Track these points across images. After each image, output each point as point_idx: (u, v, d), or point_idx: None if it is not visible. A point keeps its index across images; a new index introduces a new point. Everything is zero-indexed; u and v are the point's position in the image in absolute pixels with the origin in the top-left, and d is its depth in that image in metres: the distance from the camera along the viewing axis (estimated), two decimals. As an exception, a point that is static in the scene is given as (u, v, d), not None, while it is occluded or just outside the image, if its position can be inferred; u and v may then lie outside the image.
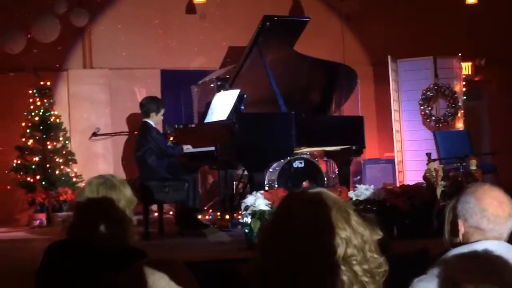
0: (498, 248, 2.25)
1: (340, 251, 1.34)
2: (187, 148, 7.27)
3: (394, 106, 10.10)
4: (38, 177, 8.90)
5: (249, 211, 5.48)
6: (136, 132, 8.16)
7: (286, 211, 1.44)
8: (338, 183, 7.68)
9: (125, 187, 2.99)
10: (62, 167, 9.12)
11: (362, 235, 1.38)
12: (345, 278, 1.33)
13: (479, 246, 2.26)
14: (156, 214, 7.50)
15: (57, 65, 9.64)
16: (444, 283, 2.19)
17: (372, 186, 6.19)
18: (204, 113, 7.71)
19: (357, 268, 1.35)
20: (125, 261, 2.82)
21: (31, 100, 9.13)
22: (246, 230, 5.49)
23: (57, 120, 9.21)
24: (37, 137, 9.05)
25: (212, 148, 6.89)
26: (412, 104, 10.18)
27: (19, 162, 9.00)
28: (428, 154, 7.80)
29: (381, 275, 1.38)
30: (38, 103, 9.12)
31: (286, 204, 1.46)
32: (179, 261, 1.55)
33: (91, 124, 9.56)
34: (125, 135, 9.68)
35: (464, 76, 10.60)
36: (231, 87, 7.58)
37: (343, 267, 1.33)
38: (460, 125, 10.30)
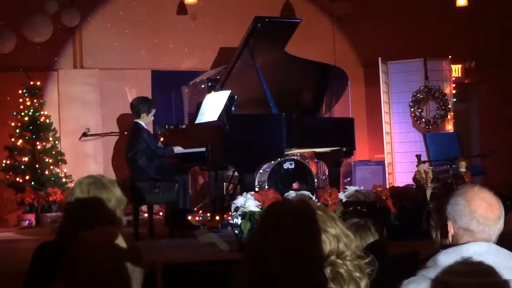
0: (487, 250, 2.26)
1: (332, 246, 1.38)
2: (178, 149, 7.26)
3: (384, 108, 10.12)
4: (27, 177, 8.86)
5: (239, 212, 5.48)
6: (126, 133, 8.14)
7: (272, 216, 1.46)
8: (328, 184, 7.68)
9: (115, 187, 2.98)
10: (51, 167, 9.08)
11: (348, 235, 1.43)
12: (342, 271, 1.37)
13: (469, 248, 2.27)
14: (146, 215, 7.48)
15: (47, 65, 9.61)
16: (435, 285, 2.20)
17: (362, 188, 6.21)
18: (194, 114, 7.70)
19: (349, 264, 1.39)
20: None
21: (21, 100, 9.09)
22: (236, 231, 5.48)
23: (47, 120, 9.18)
24: (27, 137, 9.01)
25: (203, 149, 6.88)
26: (402, 106, 10.20)
27: (8, 162, 8.95)
28: (418, 156, 7.82)
29: (370, 274, 1.43)
30: (28, 103, 9.08)
31: (272, 210, 1.49)
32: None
33: (81, 124, 9.52)
34: (116, 135, 9.65)
35: (454, 78, 10.63)
36: (222, 88, 7.58)
37: (339, 261, 1.37)
38: (450, 127, 10.33)
